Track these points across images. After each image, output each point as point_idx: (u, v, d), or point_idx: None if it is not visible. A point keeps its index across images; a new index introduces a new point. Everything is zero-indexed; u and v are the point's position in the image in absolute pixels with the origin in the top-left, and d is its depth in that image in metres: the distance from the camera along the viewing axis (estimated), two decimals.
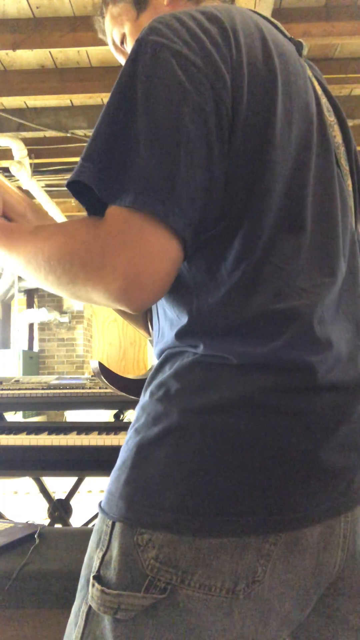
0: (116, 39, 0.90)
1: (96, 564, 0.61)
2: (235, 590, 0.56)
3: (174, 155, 0.55)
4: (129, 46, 0.88)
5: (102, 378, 0.91)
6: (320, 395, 0.61)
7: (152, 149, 0.55)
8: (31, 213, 0.82)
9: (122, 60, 0.91)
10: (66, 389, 2.07)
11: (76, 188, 0.60)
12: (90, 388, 2.08)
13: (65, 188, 0.63)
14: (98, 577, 0.60)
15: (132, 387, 0.91)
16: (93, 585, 0.60)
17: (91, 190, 0.58)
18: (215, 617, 0.56)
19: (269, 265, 0.61)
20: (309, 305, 0.62)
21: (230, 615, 0.57)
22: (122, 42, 0.90)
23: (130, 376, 0.92)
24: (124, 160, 0.56)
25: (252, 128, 0.61)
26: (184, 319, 0.64)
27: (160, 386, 0.64)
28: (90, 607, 0.60)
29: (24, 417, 4.95)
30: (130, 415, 2.39)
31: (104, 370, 0.90)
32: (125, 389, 0.90)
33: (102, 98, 3.67)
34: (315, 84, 0.75)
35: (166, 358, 0.67)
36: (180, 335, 0.64)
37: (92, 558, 0.63)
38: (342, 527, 0.62)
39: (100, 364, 0.90)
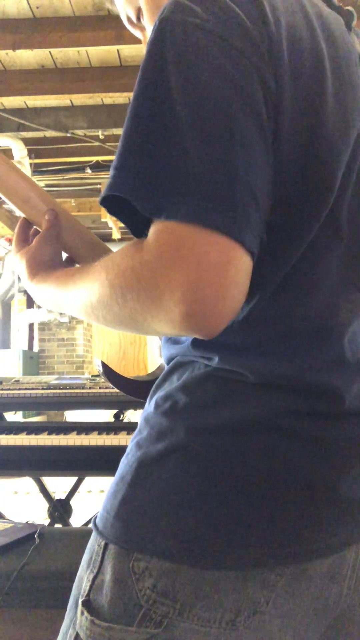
0: (131, 15, 0.79)
1: (86, 586, 0.56)
2: (236, 622, 0.52)
3: (229, 153, 0.46)
4: (146, 21, 0.78)
5: (105, 377, 0.91)
6: (346, 422, 0.56)
7: (201, 148, 0.46)
8: (36, 197, 0.77)
9: (140, 36, 0.83)
10: (66, 389, 2.07)
11: (112, 204, 0.51)
12: (90, 388, 2.08)
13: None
14: (87, 603, 0.55)
15: (134, 388, 0.91)
16: (82, 613, 0.55)
17: (132, 205, 0.48)
18: None
19: (300, 278, 0.55)
20: (341, 324, 0.57)
21: None
22: (138, 18, 0.79)
23: (133, 377, 0.92)
24: (168, 164, 0.47)
25: (298, 125, 0.52)
26: None
27: (167, 398, 0.58)
28: (78, 634, 0.56)
29: (24, 417, 4.96)
30: (130, 415, 2.39)
31: (106, 370, 0.90)
32: (128, 389, 0.90)
33: (102, 98, 3.67)
34: None
35: (174, 366, 0.61)
36: (197, 343, 0.58)
37: (82, 579, 0.58)
38: (352, 557, 0.57)
39: (104, 364, 0.90)
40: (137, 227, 0.51)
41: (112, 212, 0.52)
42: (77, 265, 0.80)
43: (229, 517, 0.52)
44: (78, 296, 0.57)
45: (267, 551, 0.52)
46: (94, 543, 0.58)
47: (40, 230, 0.78)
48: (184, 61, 0.49)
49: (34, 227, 0.79)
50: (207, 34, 0.49)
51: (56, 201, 0.80)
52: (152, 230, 0.48)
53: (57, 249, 0.75)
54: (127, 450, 0.60)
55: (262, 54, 0.51)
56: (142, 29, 0.81)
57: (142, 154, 0.48)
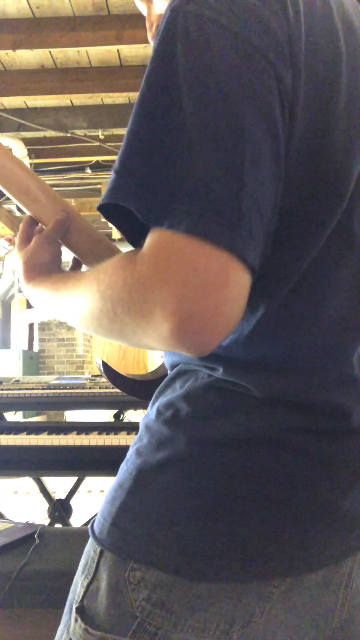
0: None
1: (80, 591, 0.56)
2: (230, 632, 0.52)
3: (237, 163, 0.44)
4: None
5: (106, 377, 0.91)
6: (351, 440, 0.55)
7: (209, 156, 0.44)
8: (38, 189, 0.74)
9: (144, 9, 0.78)
10: (66, 389, 2.07)
11: (110, 210, 0.49)
12: (90, 388, 2.08)
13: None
14: (81, 609, 0.55)
15: (134, 388, 0.91)
16: (76, 619, 0.55)
17: (130, 212, 0.46)
18: None
19: (309, 291, 0.53)
20: (351, 340, 0.55)
21: None
22: None
23: (133, 376, 0.91)
24: (172, 171, 0.44)
25: (308, 131, 0.49)
26: None
27: (169, 406, 0.56)
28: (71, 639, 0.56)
29: (24, 417, 4.95)
30: (130, 415, 2.39)
31: (107, 370, 0.90)
32: (128, 389, 0.90)
33: (102, 98, 3.67)
34: None
35: (178, 373, 0.59)
36: None
37: (77, 583, 0.58)
38: (348, 566, 0.56)
39: (104, 363, 0.90)
40: (134, 236, 0.49)
41: (109, 218, 0.50)
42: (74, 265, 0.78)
43: (228, 530, 0.51)
44: (70, 305, 0.56)
45: (264, 565, 0.51)
46: (90, 548, 0.57)
47: (42, 225, 0.76)
48: (195, 60, 0.45)
49: (40, 225, 0.77)
50: (222, 29, 0.46)
51: (59, 195, 0.78)
52: (148, 240, 0.45)
53: (57, 250, 0.72)
54: (127, 456, 0.59)
55: (281, 50, 0.47)
56: (151, 1, 0.77)
57: (145, 158, 0.45)
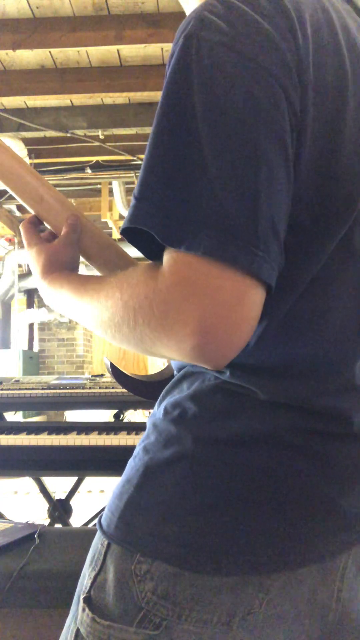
0: None
1: (87, 583, 0.58)
2: (231, 623, 0.54)
3: (253, 186, 0.46)
4: None
5: (114, 378, 0.91)
6: (352, 443, 0.57)
7: (225, 179, 0.46)
8: (50, 198, 0.76)
9: None
10: (66, 389, 2.08)
11: (132, 234, 0.51)
12: (90, 388, 2.08)
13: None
14: (88, 600, 0.57)
15: (142, 389, 0.91)
16: (83, 609, 0.57)
17: (150, 234, 0.48)
18: None
19: (313, 301, 0.55)
20: (353, 349, 0.57)
21: None
22: None
23: (140, 377, 0.92)
24: (190, 195, 0.46)
25: (317, 150, 0.51)
26: None
27: (176, 406, 0.59)
28: (78, 629, 0.57)
29: (24, 417, 4.96)
30: (130, 415, 2.39)
31: (115, 371, 0.90)
32: (137, 390, 0.90)
33: (102, 98, 3.67)
34: None
35: (185, 375, 0.62)
36: None
37: (84, 575, 0.60)
38: (343, 559, 0.58)
39: (112, 364, 0.90)
40: (152, 252, 0.51)
41: (131, 241, 0.52)
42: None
43: (231, 525, 0.53)
44: (89, 309, 0.58)
45: (265, 559, 0.53)
46: (97, 541, 0.59)
47: (51, 228, 0.78)
48: (210, 85, 0.47)
49: (45, 224, 0.79)
50: (235, 54, 0.47)
51: (68, 200, 0.80)
52: (167, 258, 0.47)
53: (76, 253, 0.76)
54: (135, 453, 0.61)
55: (291, 73, 0.49)
56: None
57: (164, 184, 0.47)
